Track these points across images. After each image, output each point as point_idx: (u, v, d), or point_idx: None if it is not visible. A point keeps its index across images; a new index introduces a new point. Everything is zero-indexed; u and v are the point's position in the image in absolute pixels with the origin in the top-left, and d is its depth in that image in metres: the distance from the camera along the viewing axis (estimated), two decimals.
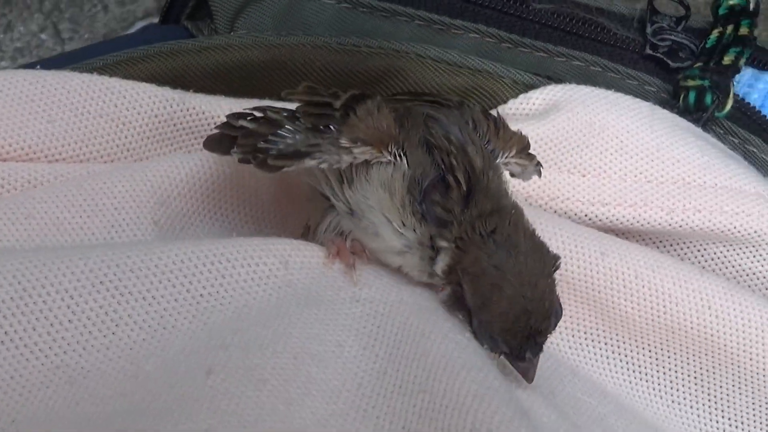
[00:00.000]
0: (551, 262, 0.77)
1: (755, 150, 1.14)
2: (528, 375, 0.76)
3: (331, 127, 0.78)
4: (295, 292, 0.75)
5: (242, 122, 0.81)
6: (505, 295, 0.73)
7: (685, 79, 1.12)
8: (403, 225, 0.77)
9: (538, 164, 0.87)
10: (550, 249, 0.78)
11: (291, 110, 0.81)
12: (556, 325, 0.77)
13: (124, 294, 0.69)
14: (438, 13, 1.15)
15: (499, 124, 0.84)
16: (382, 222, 0.78)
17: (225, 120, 0.84)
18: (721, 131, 1.14)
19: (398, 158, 0.77)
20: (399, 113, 0.80)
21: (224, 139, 0.82)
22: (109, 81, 0.93)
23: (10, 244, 0.78)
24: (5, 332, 0.65)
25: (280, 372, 0.67)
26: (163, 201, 0.86)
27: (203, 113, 0.95)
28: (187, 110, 0.95)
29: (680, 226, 0.99)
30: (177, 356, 0.68)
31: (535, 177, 0.91)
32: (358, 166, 0.78)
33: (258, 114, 0.82)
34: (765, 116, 1.16)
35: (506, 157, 0.83)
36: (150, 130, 0.94)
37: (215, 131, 0.84)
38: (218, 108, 0.96)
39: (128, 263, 0.70)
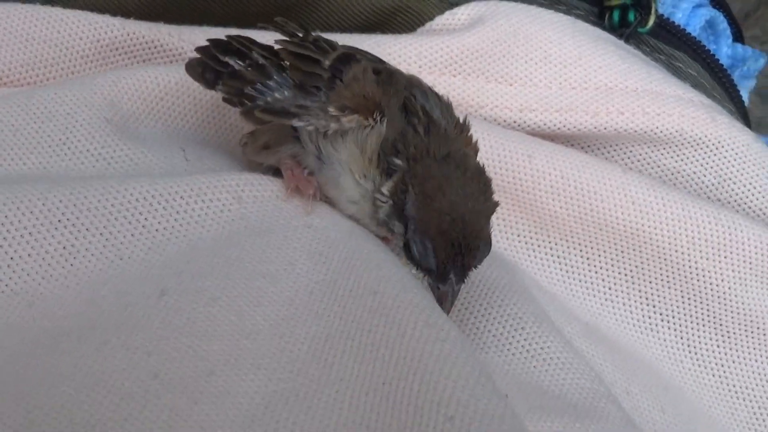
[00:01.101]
0: (492, 198, 0.78)
1: (681, 65, 1.18)
2: (445, 303, 0.77)
3: (320, 88, 0.79)
4: (247, 224, 0.77)
5: (229, 59, 0.83)
6: (448, 198, 0.75)
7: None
8: (364, 177, 0.79)
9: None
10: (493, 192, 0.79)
11: (275, 58, 0.83)
12: (483, 256, 0.78)
13: (81, 230, 0.72)
14: None
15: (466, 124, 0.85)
16: (346, 173, 0.79)
17: (206, 44, 0.86)
18: (648, 49, 1.17)
19: (380, 122, 0.78)
20: (382, 77, 0.82)
21: (207, 70, 0.84)
22: (52, 10, 0.96)
23: None
24: None
25: (231, 290, 0.70)
26: (114, 103, 0.88)
27: (143, 37, 0.98)
28: (128, 35, 0.98)
29: (605, 129, 1.02)
30: (132, 282, 0.70)
31: (464, 85, 0.95)
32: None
33: (243, 49, 0.84)
34: (688, 33, 1.19)
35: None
36: (93, 54, 0.97)
37: (195, 56, 0.86)
38: (157, 32, 0.98)
39: (85, 202, 0.73)
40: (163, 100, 0.92)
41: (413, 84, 0.84)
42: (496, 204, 0.78)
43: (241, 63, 0.83)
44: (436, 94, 0.84)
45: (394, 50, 1.02)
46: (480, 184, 0.77)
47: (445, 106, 0.84)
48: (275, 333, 0.68)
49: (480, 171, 0.79)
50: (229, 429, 0.61)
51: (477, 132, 0.91)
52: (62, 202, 0.72)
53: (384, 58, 0.93)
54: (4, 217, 0.70)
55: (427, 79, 0.99)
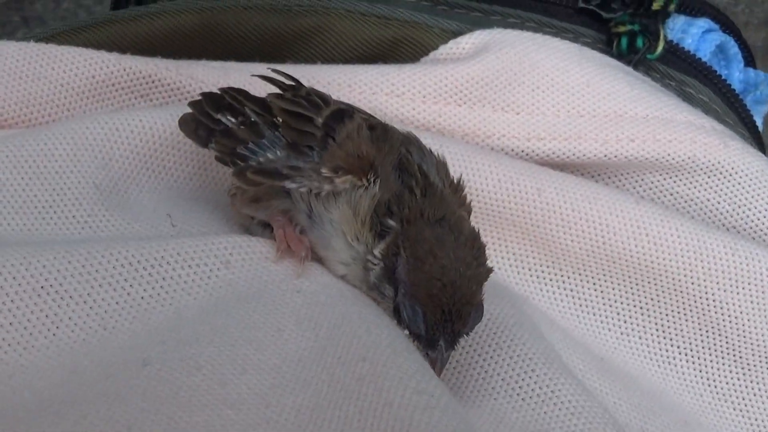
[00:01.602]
0: (485, 264, 0.77)
1: (692, 91, 1.15)
2: (436, 366, 0.75)
3: (313, 148, 0.78)
4: (235, 289, 0.75)
5: (221, 116, 0.82)
6: (439, 262, 0.73)
7: (617, 26, 1.14)
8: (357, 239, 0.77)
9: None
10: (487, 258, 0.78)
11: (268, 114, 0.81)
12: (475, 323, 0.76)
13: (65, 298, 0.70)
14: None
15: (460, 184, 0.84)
16: (338, 234, 0.78)
17: (199, 98, 0.85)
18: (658, 75, 1.15)
19: (373, 184, 0.77)
20: (377, 133, 0.80)
21: (201, 127, 0.83)
22: (46, 47, 0.94)
23: None
24: None
25: (215, 358, 0.68)
26: (105, 164, 0.86)
27: (140, 72, 0.96)
28: (124, 70, 0.95)
29: (615, 157, 0.99)
30: (115, 352, 0.68)
31: (470, 114, 0.93)
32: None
33: (236, 104, 0.83)
34: (699, 59, 1.17)
35: None
36: (89, 91, 0.94)
37: (188, 111, 0.85)
38: (154, 67, 0.96)
39: (69, 268, 0.71)
40: (156, 153, 0.90)
41: (410, 141, 0.82)
42: (490, 270, 0.77)
43: (233, 120, 0.82)
44: (431, 152, 0.82)
45: (397, 80, 1.00)
46: (473, 249, 0.76)
47: (441, 164, 0.82)
48: (261, 402, 0.66)
49: (474, 236, 0.77)
50: None
51: (484, 165, 0.92)
52: (45, 267, 0.70)
53: (387, 89, 0.92)
54: None
55: (432, 108, 0.99)
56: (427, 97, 1.00)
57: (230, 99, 0.83)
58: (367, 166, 0.77)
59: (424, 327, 0.74)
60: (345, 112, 0.81)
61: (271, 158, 0.79)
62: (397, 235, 0.75)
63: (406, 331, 0.75)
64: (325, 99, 0.83)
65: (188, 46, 1.05)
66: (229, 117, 0.82)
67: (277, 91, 0.84)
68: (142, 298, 0.72)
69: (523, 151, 1.00)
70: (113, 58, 0.96)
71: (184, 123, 0.85)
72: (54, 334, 0.69)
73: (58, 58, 0.93)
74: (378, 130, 0.81)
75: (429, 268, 0.73)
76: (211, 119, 0.83)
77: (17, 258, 0.70)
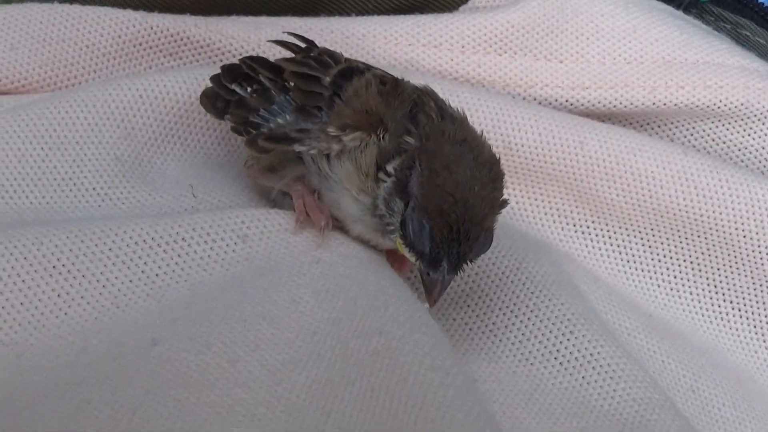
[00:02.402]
0: (501, 191, 0.73)
1: (749, 34, 1.11)
2: (432, 292, 0.72)
3: (321, 108, 0.76)
4: (252, 264, 0.74)
5: (236, 86, 0.81)
6: (454, 177, 0.70)
7: None
8: (363, 192, 0.74)
9: None
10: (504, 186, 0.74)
11: (281, 79, 0.79)
12: (482, 250, 0.72)
13: (77, 277, 0.69)
14: None
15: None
16: (344, 192, 0.75)
17: (218, 71, 0.84)
18: (711, 18, 1.11)
19: (382, 139, 0.74)
20: (387, 87, 0.78)
21: (219, 99, 0.82)
22: (70, 8, 0.92)
23: None
24: None
25: (227, 335, 0.66)
26: (127, 134, 0.85)
27: (167, 30, 0.94)
28: (151, 28, 0.94)
29: (664, 105, 0.96)
30: (126, 331, 0.67)
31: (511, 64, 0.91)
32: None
33: (251, 73, 0.81)
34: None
35: None
36: (115, 51, 0.93)
37: (208, 85, 0.84)
38: (183, 24, 0.94)
39: (82, 247, 0.70)
40: (181, 119, 0.88)
41: (425, 92, 0.78)
42: (506, 202, 0.73)
43: (248, 89, 0.80)
44: (450, 106, 0.79)
45: (434, 30, 0.97)
46: (492, 172, 0.72)
47: (461, 118, 0.78)
48: (272, 380, 0.64)
49: (494, 161, 0.73)
50: None
51: (525, 118, 0.90)
52: (58, 247, 0.69)
53: (424, 39, 0.90)
54: None
55: (472, 59, 0.97)
56: (466, 47, 0.97)
57: (246, 68, 0.82)
58: (377, 121, 0.74)
59: (428, 244, 0.70)
60: (354, 70, 0.79)
61: (281, 123, 0.77)
62: (415, 149, 0.72)
63: (408, 253, 0.72)
64: (335, 58, 0.81)
65: (218, 2, 1.03)
66: (243, 86, 0.81)
67: (290, 55, 0.83)
68: (157, 275, 0.71)
69: (567, 101, 0.97)
70: (139, 16, 0.94)
71: (205, 97, 0.84)
72: (65, 314, 0.68)
73: (83, 18, 0.92)
74: (389, 84, 0.78)
75: (443, 181, 0.70)
76: (227, 91, 0.81)
77: (29, 238, 0.69)
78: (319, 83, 0.77)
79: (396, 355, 0.64)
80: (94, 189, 0.81)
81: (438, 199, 0.69)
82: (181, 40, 0.95)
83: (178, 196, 0.83)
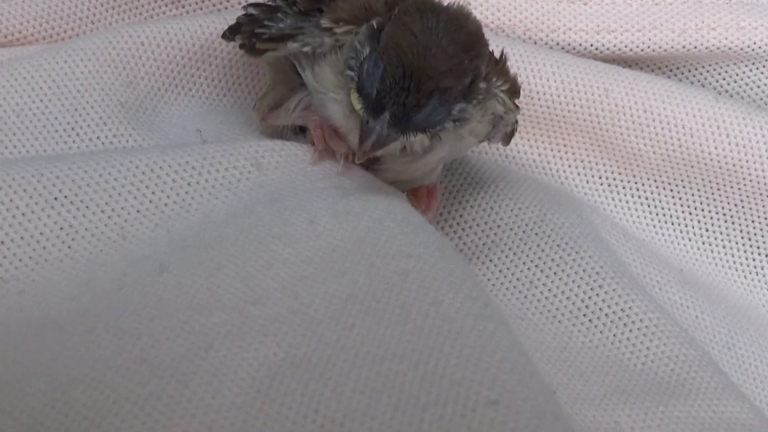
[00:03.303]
0: (473, 61, 0.67)
1: None
2: (365, 141, 0.66)
3: (321, 10, 0.73)
4: (266, 191, 0.71)
5: (250, 9, 0.78)
6: (424, 23, 0.65)
7: None
8: (337, 88, 0.71)
9: (516, 124, 0.79)
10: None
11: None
12: (430, 113, 0.66)
13: (80, 208, 0.66)
14: None
15: (502, 58, 0.76)
16: (327, 97, 0.72)
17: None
18: None
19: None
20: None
21: (237, 26, 0.80)
22: None
23: None
24: None
25: (239, 257, 0.63)
26: (130, 81, 0.82)
27: None
28: None
29: (695, 48, 0.93)
30: (134, 261, 0.65)
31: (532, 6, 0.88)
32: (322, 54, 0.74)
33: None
34: None
35: (498, 87, 0.74)
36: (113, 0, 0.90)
37: (212, 19, 0.83)
38: None
39: (85, 177, 0.67)
40: (184, 69, 0.85)
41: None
42: (476, 70, 0.68)
43: (258, 9, 0.78)
44: None
45: None
46: (468, 36, 0.67)
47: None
48: (288, 295, 0.60)
49: (476, 32, 0.68)
50: (225, 413, 0.54)
51: (546, 65, 0.87)
52: (59, 178, 0.66)
53: None
54: None
55: (490, 2, 0.94)
56: None
57: None
58: (372, 16, 0.70)
59: (378, 84, 0.65)
60: None
61: (281, 27, 0.75)
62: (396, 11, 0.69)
63: (358, 98, 0.67)
64: None
65: None
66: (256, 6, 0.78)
67: None
68: (165, 204, 0.69)
69: (591, 46, 0.94)
70: None
71: (225, 33, 0.81)
72: (69, 247, 0.65)
73: None
74: None
75: (410, 23, 0.65)
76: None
77: (28, 170, 0.66)
78: None
79: (429, 280, 0.60)
80: (98, 138, 0.78)
81: (400, 37, 0.65)
82: None
83: (186, 139, 0.80)
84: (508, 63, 0.75)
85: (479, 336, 0.56)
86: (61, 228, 0.65)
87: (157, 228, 0.67)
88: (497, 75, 0.73)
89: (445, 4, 0.70)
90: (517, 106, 0.76)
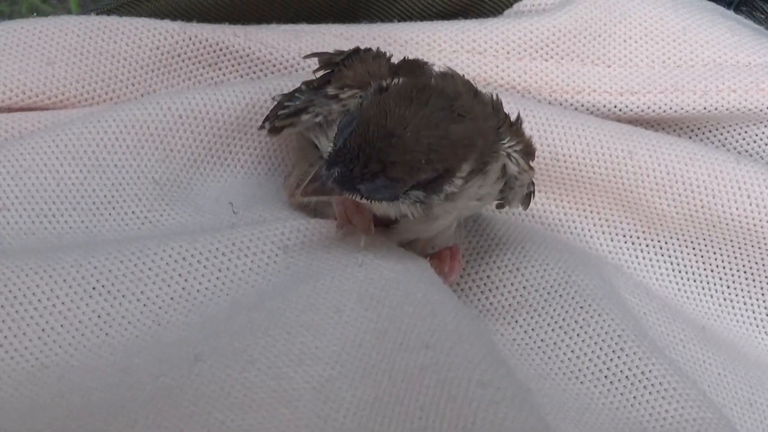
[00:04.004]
0: (435, 160, 0.67)
1: None
2: (310, 183, 0.67)
3: (330, 82, 0.76)
4: (293, 272, 0.73)
5: (276, 97, 0.82)
6: (399, 111, 0.66)
7: None
8: None
9: (532, 185, 0.80)
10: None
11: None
12: (373, 193, 0.68)
13: (117, 297, 0.69)
14: None
15: (517, 120, 0.77)
16: None
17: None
18: (762, 16, 1.09)
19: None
20: (399, 63, 0.77)
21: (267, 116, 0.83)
22: (107, 19, 0.91)
23: (9, 202, 0.77)
24: None
25: (270, 350, 0.65)
26: (166, 156, 0.84)
27: (206, 40, 0.93)
28: (190, 39, 0.92)
29: (716, 109, 0.94)
30: (168, 347, 0.67)
31: (558, 70, 0.90)
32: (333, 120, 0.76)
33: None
34: None
35: (511, 147, 0.75)
36: (153, 63, 0.92)
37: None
38: (222, 34, 0.93)
39: (121, 267, 0.70)
40: (220, 139, 0.88)
41: (445, 73, 0.75)
42: (444, 170, 0.68)
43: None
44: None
45: (479, 36, 0.95)
46: (443, 140, 0.67)
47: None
48: (318, 398, 0.62)
49: (463, 135, 0.68)
50: None
51: (572, 128, 0.88)
52: (97, 268, 0.69)
53: (468, 46, 0.90)
54: (35, 287, 0.67)
55: (517, 65, 0.95)
56: (511, 53, 0.96)
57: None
58: (377, 81, 0.72)
59: (340, 142, 0.67)
60: (369, 50, 0.78)
61: (297, 104, 0.77)
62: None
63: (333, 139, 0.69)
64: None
65: (257, 10, 1.02)
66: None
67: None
68: (198, 291, 0.71)
69: (615, 107, 0.96)
70: (177, 27, 0.93)
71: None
72: (107, 334, 0.68)
73: (120, 30, 0.90)
74: (404, 62, 0.77)
75: (393, 105, 0.66)
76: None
77: (68, 261, 0.69)
78: (334, 63, 0.77)
79: (444, 371, 0.63)
80: (133, 212, 0.81)
81: (375, 112, 0.66)
82: (221, 50, 0.93)
83: (219, 213, 0.83)
84: (524, 125, 0.76)
85: (491, 425, 0.59)
86: (98, 316, 0.68)
87: (189, 314, 0.70)
88: (511, 135, 0.75)
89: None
90: (532, 167, 0.77)
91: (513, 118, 0.76)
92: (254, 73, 0.94)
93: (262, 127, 0.82)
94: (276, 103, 0.81)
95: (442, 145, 0.67)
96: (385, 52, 0.78)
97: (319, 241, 0.75)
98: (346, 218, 0.75)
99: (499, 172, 0.75)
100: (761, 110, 0.94)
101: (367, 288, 0.70)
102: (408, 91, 0.67)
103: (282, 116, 0.77)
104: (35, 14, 0.96)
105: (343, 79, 0.75)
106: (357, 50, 0.78)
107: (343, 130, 0.68)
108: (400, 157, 0.66)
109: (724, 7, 1.04)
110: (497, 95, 0.76)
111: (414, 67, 0.76)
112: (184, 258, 0.72)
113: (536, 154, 0.77)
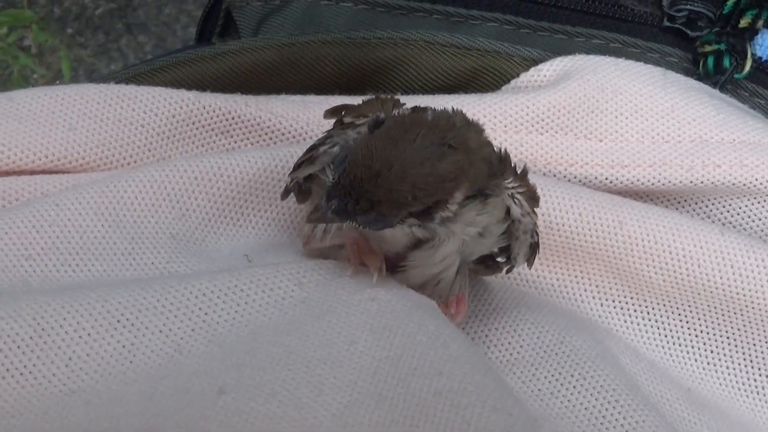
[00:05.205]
0: (423, 197, 0.71)
1: None
2: (313, 212, 0.73)
3: (343, 122, 0.80)
4: (308, 307, 0.76)
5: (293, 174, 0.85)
6: (391, 150, 0.70)
7: (702, 45, 1.12)
8: None
9: (537, 236, 0.84)
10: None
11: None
12: (371, 225, 0.72)
13: (140, 329, 0.72)
14: (454, 5, 1.15)
15: (524, 170, 0.81)
16: None
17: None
18: (746, 94, 1.13)
19: None
20: (411, 107, 0.80)
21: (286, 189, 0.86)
22: (126, 88, 0.95)
23: (35, 252, 0.80)
24: (24, 366, 0.68)
25: (290, 382, 0.68)
26: (183, 214, 0.88)
27: (219, 109, 0.96)
28: (203, 108, 0.96)
29: (702, 183, 0.98)
30: (191, 377, 0.69)
31: (552, 143, 0.95)
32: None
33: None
34: None
35: (514, 188, 0.79)
36: (169, 131, 0.95)
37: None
38: (233, 103, 0.97)
39: (144, 303, 0.73)
40: (233, 201, 0.91)
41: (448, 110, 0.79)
42: (431, 203, 0.72)
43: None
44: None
45: (477, 110, 0.99)
46: (430, 177, 0.71)
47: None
48: (338, 423, 0.65)
49: (453, 170, 0.72)
50: None
51: (565, 199, 0.92)
52: (121, 303, 0.72)
53: None
54: (62, 319, 0.70)
55: (514, 138, 0.98)
56: (508, 126, 0.99)
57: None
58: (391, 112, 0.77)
59: (335, 178, 0.72)
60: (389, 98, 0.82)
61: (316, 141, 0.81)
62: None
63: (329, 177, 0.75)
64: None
65: (267, 81, 1.06)
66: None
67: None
68: (218, 323, 0.74)
69: (606, 179, 0.99)
70: (192, 96, 0.96)
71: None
72: (131, 362, 0.70)
73: (137, 98, 0.94)
74: (416, 108, 0.80)
75: (380, 145, 0.70)
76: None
77: (93, 297, 0.72)
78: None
79: (459, 397, 0.65)
80: (152, 263, 0.83)
81: (363, 153, 0.70)
82: (233, 119, 0.97)
83: (234, 263, 0.86)
84: (528, 176, 0.81)
85: None
86: (123, 346, 0.71)
87: (210, 344, 0.72)
88: (514, 177, 0.79)
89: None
90: (536, 213, 0.81)
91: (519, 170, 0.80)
92: (264, 141, 0.98)
93: (285, 195, 0.85)
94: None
95: (428, 182, 0.71)
96: (399, 99, 0.82)
97: (332, 278, 0.78)
98: (359, 259, 0.78)
99: (503, 212, 0.79)
100: (744, 185, 0.98)
101: (380, 319, 0.73)
102: (398, 129, 0.72)
103: (303, 153, 0.80)
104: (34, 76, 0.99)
105: (360, 110, 0.79)
106: (376, 96, 0.82)
107: (338, 165, 0.73)
108: (386, 196, 0.70)
109: (710, 85, 1.08)
110: (505, 149, 0.80)
111: (425, 111, 0.78)
112: (204, 294, 0.75)
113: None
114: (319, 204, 0.72)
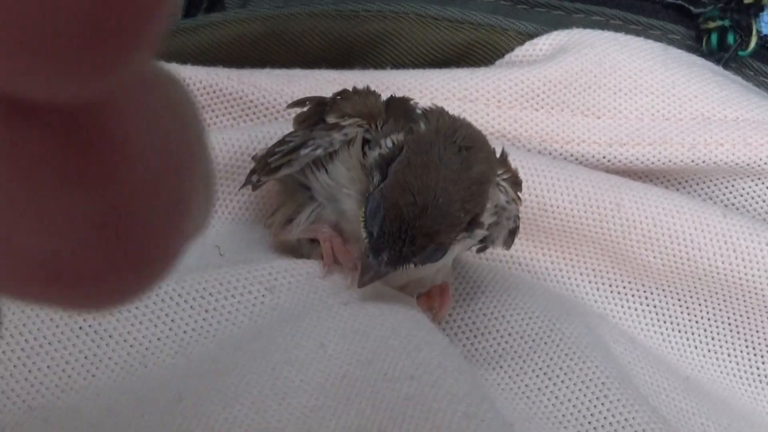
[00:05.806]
0: (471, 211, 0.71)
1: None
2: (364, 275, 0.70)
3: (324, 119, 0.77)
4: (279, 313, 0.73)
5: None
6: (425, 179, 0.68)
7: (706, 22, 1.08)
8: (350, 183, 0.74)
9: (518, 220, 0.81)
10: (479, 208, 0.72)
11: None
12: (428, 261, 0.71)
13: (104, 338, 0.68)
14: None
15: (502, 154, 0.79)
16: (341, 193, 0.75)
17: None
18: (751, 72, 1.10)
19: (378, 130, 0.74)
20: (387, 100, 0.79)
21: (250, 173, 0.83)
22: None
23: None
24: None
25: (254, 386, 0.65)
26: None
27: (200, 82, 0.93)
28: (183, 81, 0.91)
29: (703, 162, 0.95)
30: (154, 388, 0.67)
31: (548, 119, 0.92)
32: (333, 153, 0.76)
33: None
34: None
35: (499, 175, 0.77)
36: None
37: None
38: (215, 77, 0.94)
39: None
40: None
41: (434, 110, 0.77)
42: (475, 212, 0.71)
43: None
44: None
45: (471, 84, 0.96)
46: (469, 190, 0.69)
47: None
48: (302, 428, 0.62)
49: (481, 179, 0.71)
50: None
51: (561, 179, 0.89)
52: None
53: (460, 94, 0.90)
54: (22, 326, 0.67)
55: (508, 113, 0.96)
56: (502, 102, 0.96)
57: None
58: (377, 113, 0.75)
59: (377, 229, 0.69)
60: (357, 89, 0.80)
61: (291, 145, 0.78)
62: (408, 134, 0.72)
63: (364, 228, 0.71)
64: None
65: (251, 54, 1.03)
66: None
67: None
68: (185, 332, 0.71)
69: (604, 157, 0.96)
70: (171, 69, 0.91)
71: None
72: (93, 375, 0.67)
73: None
74: (395, 99, 0.79)
75: (413, 179, 0.68)
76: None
77: None
78: (325, 104, 0.79)
79: (429, 402, 0.63)
80: None
81: (399, 193, 0.68)
82: (214, 92, 0.94)
83: (205, 255, 0.82)
84: (509, 159, 0.79)
85: None
86: (85, 357, 0.67)
87: (176, 355, 0.69)
88: (498, 164, 0.77)
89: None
90: (519, 198, 0.79)
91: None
92: (246, 115, 0.94)
93: (243, 187, 0.83)
94: (256, 160, 0.82)
95: (473, 192, 0.70)
96: (374, 90, 0.79)
97: (305, 281, 0.75)
98: (332, 255, 0.76)
99: (496, 201, 0.76)
100: (748, 164, 0.95)
101: (352, 323, 0.71)
102: (417, 154, 0.70)
103: (280, 153, 0.77)
104: None
105: (342, 109, 0.76)
106: (346, 90, 0.79)
107: (373, 217, 0.69)
108: (442, 225, 0.68)
109: (713, 63, 1.05)
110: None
111: (401, 105, 0.78)
112: (171, 297, 0.71)
113: (525, 203, 0.79)
114: (365, 263, 0.70)
